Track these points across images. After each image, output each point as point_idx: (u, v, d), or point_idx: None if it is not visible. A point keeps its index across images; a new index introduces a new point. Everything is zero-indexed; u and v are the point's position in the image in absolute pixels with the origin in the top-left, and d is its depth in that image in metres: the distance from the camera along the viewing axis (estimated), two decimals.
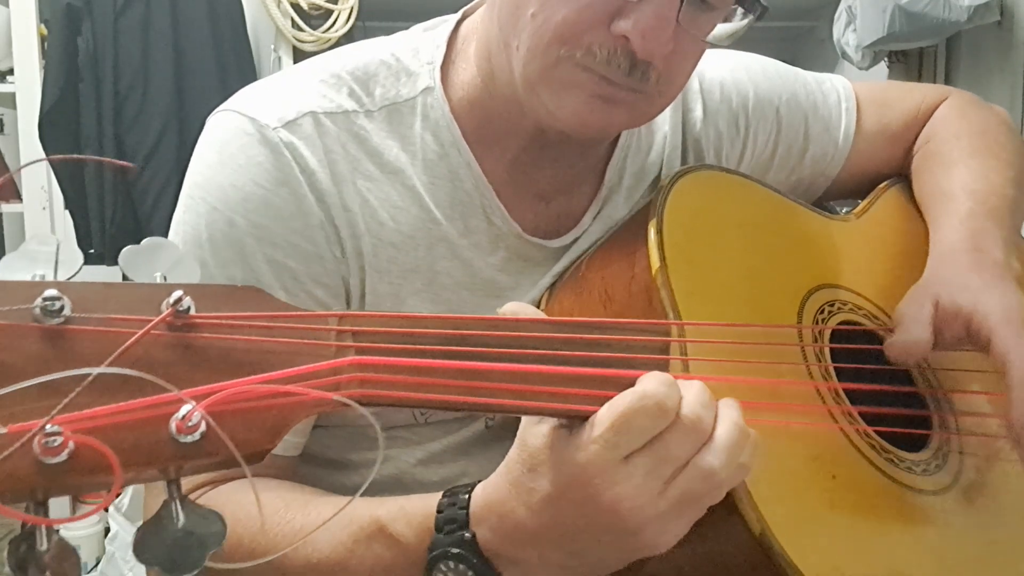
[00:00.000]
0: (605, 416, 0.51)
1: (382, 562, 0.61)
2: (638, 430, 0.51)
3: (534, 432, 0.54)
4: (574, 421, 0.52)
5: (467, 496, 0.58)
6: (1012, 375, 0.69)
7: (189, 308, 0.39)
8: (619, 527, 0.52)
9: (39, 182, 2.58)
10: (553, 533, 0.54)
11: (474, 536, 0.57)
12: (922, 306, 0.75)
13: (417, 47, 0.77)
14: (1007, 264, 0.78)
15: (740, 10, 0.70)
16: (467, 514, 0.57)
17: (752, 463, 0.55)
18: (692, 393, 0.53)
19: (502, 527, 0.56)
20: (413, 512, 0.60)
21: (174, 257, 0.41)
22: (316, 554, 0.63)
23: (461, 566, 0.57)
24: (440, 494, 0.60)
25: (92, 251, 2.40)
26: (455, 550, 0.57)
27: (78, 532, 2.46)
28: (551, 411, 0.52)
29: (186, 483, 0.72)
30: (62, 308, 0.36)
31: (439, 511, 0.59)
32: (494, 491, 0.57)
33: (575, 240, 0.79)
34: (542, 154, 0.76)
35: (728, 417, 0.54)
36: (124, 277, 0.42)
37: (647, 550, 0.54)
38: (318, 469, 0.78)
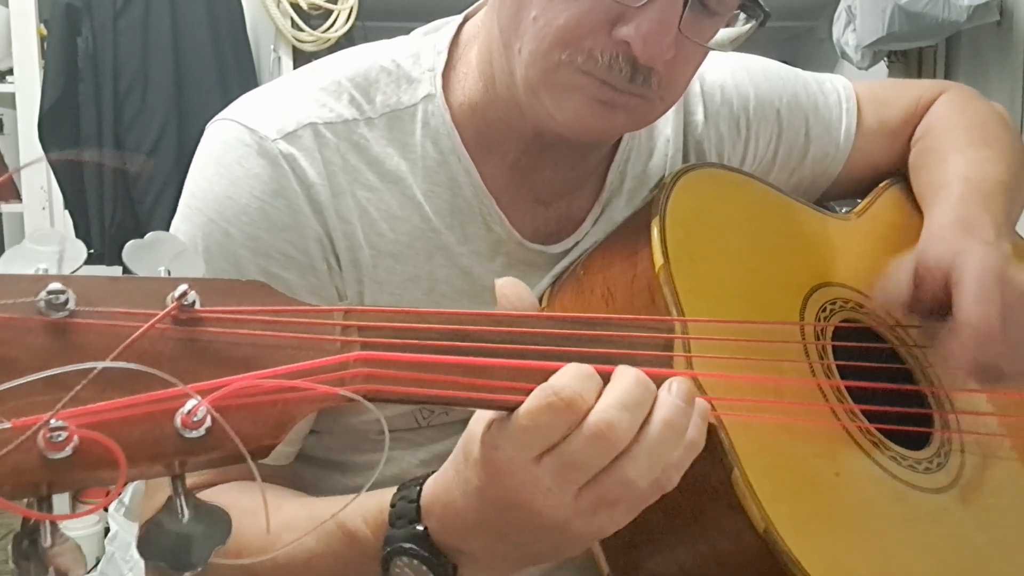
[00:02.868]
0: (520, 412, 0.48)
1: (341, 560, 0.61)
2: (545, 429, 0.48)
3: (477, 418, 0.53)
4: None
5: (418, 489, 0.57)
6: (960, 318, 0.70)
7: (194, 302, 0.39)
8: (539, 523, 0.51)
9: (39, 182, 2.58)
10: (489, 524, 0.53)
11: (426, 529, 0.56)
12: (902, 266, 0.76)
13: (418, 52, 0.77)
14: (996, 244, 0.77)
15: (742, 15, 0.70)
16: (417, 507, 0.57)
17: (702, 440, 0.52)
18: (612, 394, 0.49)
19: (446, 517, 0.55)
20: (369, 508, 0.60)
21: (178, 251, 0.41)
22: (282, 555, 0.62)
23: (415, 561, 0.56)
24: (395, 488, 0.59)
25: (92, 251, 2.39)
26: (408, 545, 0.56)
27: (78, 532, 2.46)
28: None
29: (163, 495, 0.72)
30: (66, 302, 0.36)
31: (392, 505, 0.58)
32: (441, 480, 0.56)
33: (576, 244, 0.79)
34: (542, 157, 0.75)
35: (659, 415, 0.50)
36: (126, 273, 0.42)
37: (584, 541, 0.53)
38: (320, 471, 0.78)
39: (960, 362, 0.71)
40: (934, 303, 0.75)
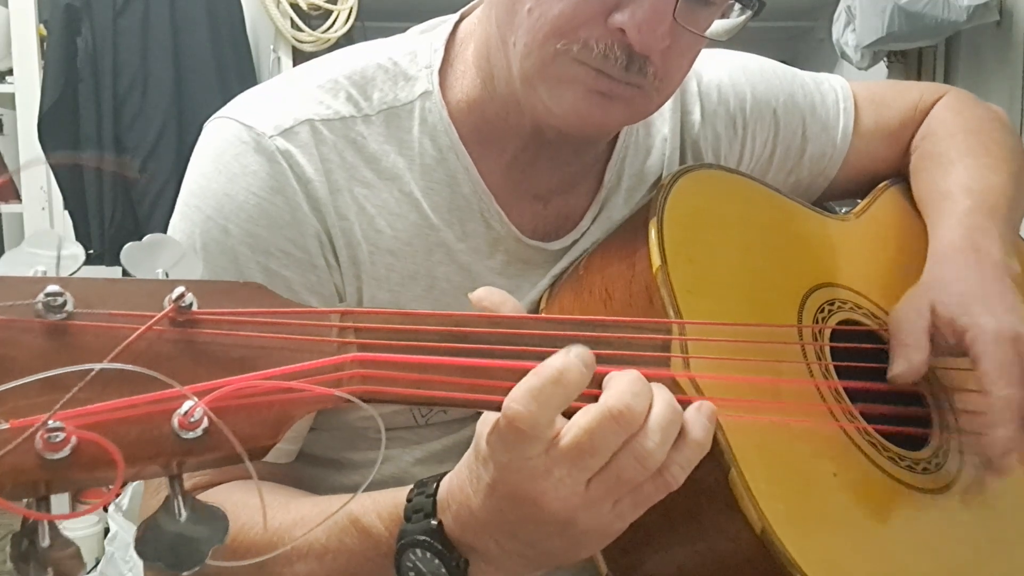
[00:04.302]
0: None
1: (355, 556, 0.61)
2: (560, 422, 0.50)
3: (485, 419, 0.53)
4: None
5: (436, 485, 0.58)
6: (991, 403, 0.70)
7: (191, 304, 0.39)
8: (549, 519, 0.51)
9: (38, 182, 2.58)
10: (500, 523, 0.54)
11: (440, 524, 0.56)
12: (919, 314, 0.75)
13: (415, 51, 0.77)
14: (1005, 264, 0.78)
15: (738, 6, 0.70)
16: (434, 502, 0.57)
17: (708, 440, 0.54)
18: (624, 382, 0.51)
19: (460, 515, 0.56)
20: (384, 503, 0.60)
21: (176, 253, 0.41)
22: (294, 552, 0.63)
23: (428, 554, 0.56)
24: (412, 486, 0.60)
25: (91, 251, 2.41)
26: (422, 537, 0.56)
27: (77, 533, 2.46)
28: None
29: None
30: (64, 304, 0.36)
31: (408, 500, 0.58)
32: (456, 478, 0.57)
33: (574, 242, 0.79)
34: (539, 154, 0.76)
35: (661, 398, 0.52)
36: (125, 275, 0.42)
37: (594, 537, 0.54)
38: (319, 469, 0.78)
39: (1011, 434, 0.70)
40: (945, 349, 0.75)
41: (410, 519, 0.57)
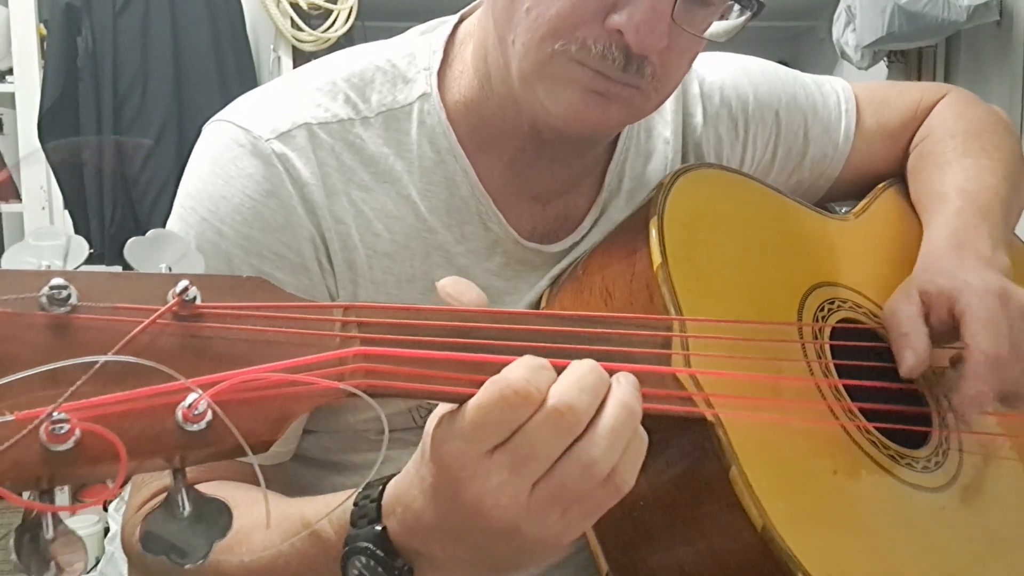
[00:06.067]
0: (469, 406, 0.47)
1: (306, 560, 0.60)
2: (497, 423, 0.47)
3: (434, 416, 0.51)
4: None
5: (381, 488, 0.56)
6: (970, 355, 0.71)
7: (195, 298, 0.39)
8: (489, 526, 0.49)
9: (38, 182, 2.58)
10: (445, 527, 0.51)
11: (384, 529, 0.54)
12: (908, 300, 0.76)
13: (414, 52, 0.77)
14: (993, 257, 0.78)
15: (737, 7, 0.70)
16: (378, 507, 0.55)
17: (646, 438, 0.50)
18: (569, 378, 0.48)
19: (406, 518, 0.54)
20: (334, 507, 0.58)
21: (179, 248, 0.41)
22: (249, 554, 0.61)
23: (372, 562, 0.54)
24: (359, 488, 0.58)
25: (91, 251, 2.40)
26: (365, 544, 0.54)
27: (77, 532, 2.45)
28: None
29: (147, 490, 0.71)
30: (68, 297, 0.36)
31: (355, 504, 0.56)
32: (404, 479, 0.55)
33: (574, 245, 0.79)
34: (539, 155, 0.76)
35: (616, 397, 0.49)
36: (127, 270, 0.42)
37: (542, 547, 0.51)
38: (319, 471, 0.78)
39: (981, 391, 0.71)
40: (941, 331, 0.75)
41: (356, 524, 0.55)
